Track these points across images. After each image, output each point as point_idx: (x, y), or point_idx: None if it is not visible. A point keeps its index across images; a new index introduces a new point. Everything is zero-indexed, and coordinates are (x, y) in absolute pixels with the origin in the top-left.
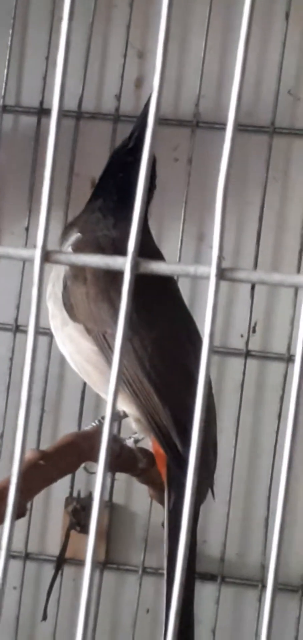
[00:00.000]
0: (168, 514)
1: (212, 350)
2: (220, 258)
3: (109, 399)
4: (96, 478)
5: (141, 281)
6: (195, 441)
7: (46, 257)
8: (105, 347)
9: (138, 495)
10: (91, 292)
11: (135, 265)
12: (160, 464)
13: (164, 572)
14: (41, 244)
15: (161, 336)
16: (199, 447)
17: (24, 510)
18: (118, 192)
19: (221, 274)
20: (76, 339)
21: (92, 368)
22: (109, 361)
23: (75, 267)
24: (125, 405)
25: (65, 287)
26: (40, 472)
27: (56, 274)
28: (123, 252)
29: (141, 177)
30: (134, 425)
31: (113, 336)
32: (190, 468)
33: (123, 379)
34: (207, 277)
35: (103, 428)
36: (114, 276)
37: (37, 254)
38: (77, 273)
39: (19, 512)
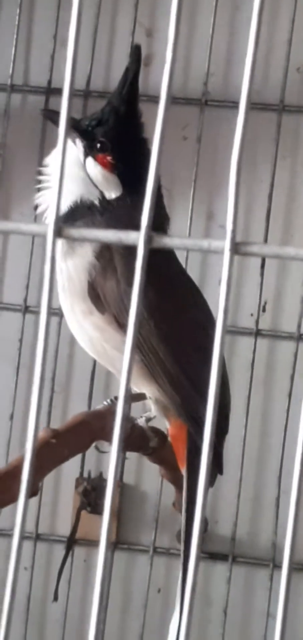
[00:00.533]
0: (187, 498)
1: (226, 327)
2: (234, 232)
3: (122, 377)
4: (107, 458)
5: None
6: (210, 418)
7: (58, 232)
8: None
9: (148, 475)
10: (123, 285)
11: (148, 240)
12: (177, 447)
13: (182, 551)
14: (54, 219)
15: (184, 319)
16: (214, 424)
17: (36, 489)
18: (140, 181)
19: (235, 249)
20: (103, 328)
21: (120, 355)
22: (143, 351)
23: (103, 257)
24: (145, 386)
25: (91, 278)
26: (52, 450)
27: (73, 264)
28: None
29: (154, 154)
30: (152, 407)
31: (148, 329)
32: (204, 443)
33: (147, 363)
34: (221, 252)
35: (115, 407)
36: (159, 276)
37: (50, 229)
38: (105, 265)
39: (32, 491)
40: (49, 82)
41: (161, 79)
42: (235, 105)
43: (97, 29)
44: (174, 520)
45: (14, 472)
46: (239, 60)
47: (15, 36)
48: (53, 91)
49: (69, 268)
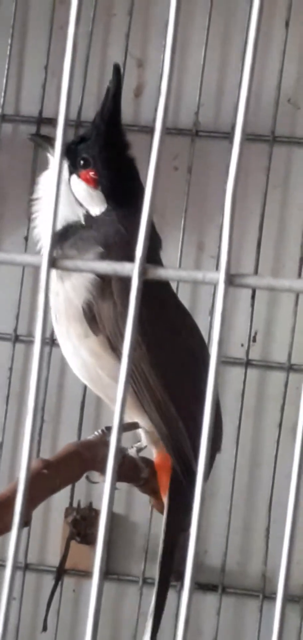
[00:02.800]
0: (166, 526)
1: (221, 358)
2: (229, 264)
3: (117, 406)
4: (97, 487)
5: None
6: (204, 452)
7: (53, 263)
8: (141, 377)
9: (138, 505)
10: (119, 307)
11: (143, 272)
12: (161, 476)
13: (156, 579)
14: (48, 250)
15: (177, 347)
16: (208, 458)
17: (28, 519)
18: (125, 195)
19: (230, 280)
20: (98, 353)
21: (114, 383)
22: (133, 377)
23: (100, 279)
24: (138, 416)
25: (87, 299)
26: (43, 481)
27: (71, 284)
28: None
29: (149, 184)
30: (143, 436)
31: (140, 353)
32: (198, 478)
33: (137, 389)
34: (216, 283)
35: (107, 438)
36: (151, 306)
37: (44, 260)
38: (103, 286)
39: (24, 521)
40: (40, 112)
41: (151, 109)
42: (225, 135)
43: (89, 60)
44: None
45: (6, 502)
46: (230, 91)
47: (6, 66)
48: (44, 121)
49: (67, 289)
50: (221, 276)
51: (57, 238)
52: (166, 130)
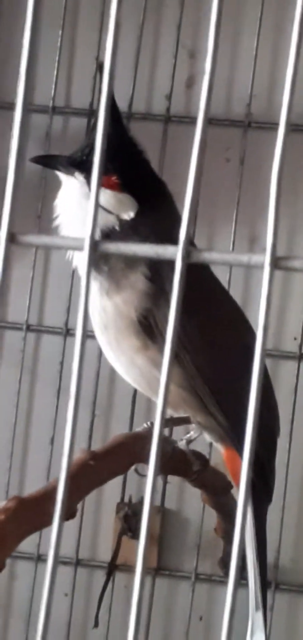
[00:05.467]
0: (254, 519)
1: (266, 343)
2: (275, 246)
3: (159, 399)
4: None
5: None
6: (249, 439)
7: (94, 246)
8: (196, 374)
9: (190, 501)
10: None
11: (187, 254)
12: (233, 469)
13: (253, 573)
14: (90, 233)
15: (232, 339)
16: (253, 444)
17: (74, 511)
18: (150, 191)
19: (276, 263)
20: (159, 361)
21: (176, 387)
22: (196, 380)
23: (155, 282)
24: (194, 413)
25: (143, 309)
26: (90, 472)
27: (121, 299)
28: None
29: (192, 168)
30: (194, 429)
31: (197, 357)
32: (244, 463)
33: (196, 386)
34: (261, 266)
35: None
36: (202, 299)
37: (86, 243)
38: (157, 294)
39: (69, 513)
40: (91, 104)
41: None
42: (278, 126)
43: (140, 50)
44: (216, 547)
45: (52, 493)
46: (283, 81)
47: (57, 58)
48: (95, 113)
49: (118, 303)
50: (266, 259)
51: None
52: (218, 122)
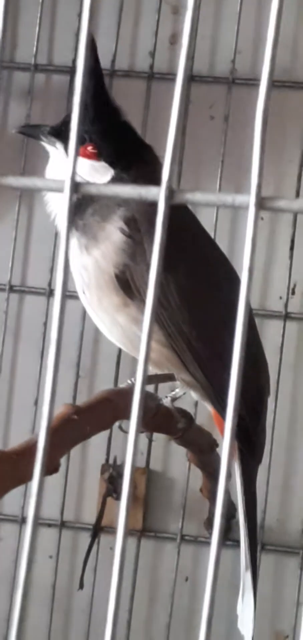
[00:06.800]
0: (242, 479)
1: (251, 286)
2: (260, 186)
3: (140, 354)
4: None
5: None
6: (233, 398)
7: (75, 188)
8: (174, 333)
9: (175, 461)
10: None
11: (170, 195)
12: (222, 428)
13: (244, 532)
14: (70, 175)
15: (214, 293)
16: (237, 399)
17: (56, 465)
18: (128, 156)
19: (261, 203)
20: (138, 318)
21: (157, 345)
22: (173, 337)
23: (130, 240)
24: (182, 374)
25: (120, 264)
26: (73, 426)
27: (100, 252)
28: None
29: (174, 111)
30: (179, 386)
31: (177, 315)
32: (226, 424)
33: (176, 346)
34: (246, 207)
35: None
36: (181, 252)
37: (67, 185)
38: (134, 247)
39: (52, 468)
40: (74, 60)
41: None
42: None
43: (122, 7)
44: (202, 507)
45: (33, 448)
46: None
47: (39, 15)
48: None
49: (97, 258)
50: (251, 199)
51: (75, 212)
52: (202, 79)
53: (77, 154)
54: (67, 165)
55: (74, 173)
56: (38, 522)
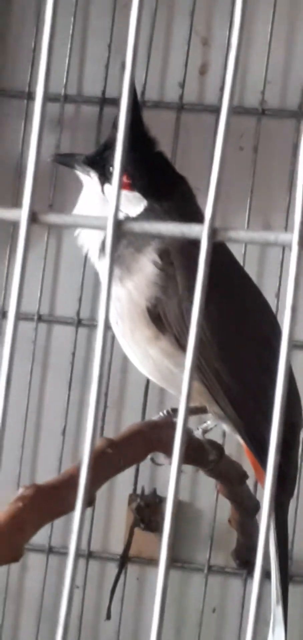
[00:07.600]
0: (274, 512)
1: (294, 327)
2: None
3: (183, 387)
4: (161, 474)
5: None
6: (274, 442)
7: (118, 225)
8: (205, 368)
9: (203, 492)
10: (185, 303)
11: (212, 233)
12: (255, 463)
13: (274, 565)
14: (113, 211)
15: (248, 332)
16: (279, 440)
17: (92, 499)
18: (162, 188)
19: None
20: (170, 352)
21: (197, 383)
22: (205, 374)
23: (163, 273)
24: (217, 407)
25: (152, 297)
26: (107, 460)
27: (133, 284)
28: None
29: (218, 149)
30: (211, 418)
31: (211, 350)
32: (269, 462)
33: (209, 385)
34: (289, 245)
35: (172, 419)
36: (211, 288)
37: (110, 222)
38: (167, 281)
39: (88, 501)
40: (103, 92)
41: (217, 88)
42: (292, 114)
43: (153, 38)
44: (230, 538)
45: (70, 481)
46: (297, 69)
47: (69, 45)
48: (107, 101)
49: (130, 289)
50: (294, 237)
51: (102, 247)
52: (232, 109)
53: (120, 190)
54: (110, 203)
55: (117, 211)
56: (65, 552)
